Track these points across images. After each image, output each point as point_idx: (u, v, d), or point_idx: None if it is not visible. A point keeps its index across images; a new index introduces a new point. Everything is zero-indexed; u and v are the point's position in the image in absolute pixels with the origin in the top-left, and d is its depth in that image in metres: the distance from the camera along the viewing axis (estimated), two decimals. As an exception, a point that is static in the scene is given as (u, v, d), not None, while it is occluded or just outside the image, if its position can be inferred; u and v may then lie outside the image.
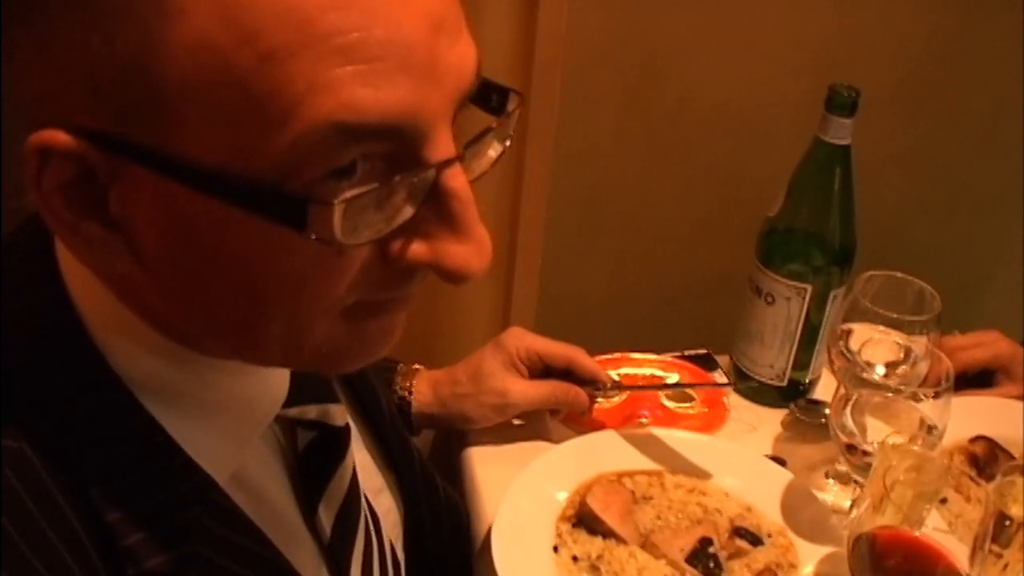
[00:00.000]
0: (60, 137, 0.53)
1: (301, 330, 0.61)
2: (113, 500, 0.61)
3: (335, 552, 0.80)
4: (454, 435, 1.27)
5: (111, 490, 0.61)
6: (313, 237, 0.54)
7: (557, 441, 1.23)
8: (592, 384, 1.23)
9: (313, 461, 0.79)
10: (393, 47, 0.52)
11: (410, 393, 1.18)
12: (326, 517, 0.79)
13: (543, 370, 1.22)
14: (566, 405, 1.22)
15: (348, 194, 0.54)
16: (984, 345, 1.31)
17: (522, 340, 1.21)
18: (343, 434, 0.82)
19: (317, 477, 0.79)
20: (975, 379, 1.31)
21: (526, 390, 1.20)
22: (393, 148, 0.55)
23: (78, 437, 0.61)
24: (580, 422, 1.27)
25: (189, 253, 0.58)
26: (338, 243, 0.55)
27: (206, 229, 0.56)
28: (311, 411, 0.78)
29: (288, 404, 0.75)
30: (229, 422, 0.69)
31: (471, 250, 0.59)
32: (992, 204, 2.18)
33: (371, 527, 0.86)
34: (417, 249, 0.59)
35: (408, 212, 0.58)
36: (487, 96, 0.64)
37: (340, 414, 0.81)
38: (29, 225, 0.66)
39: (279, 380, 0.74)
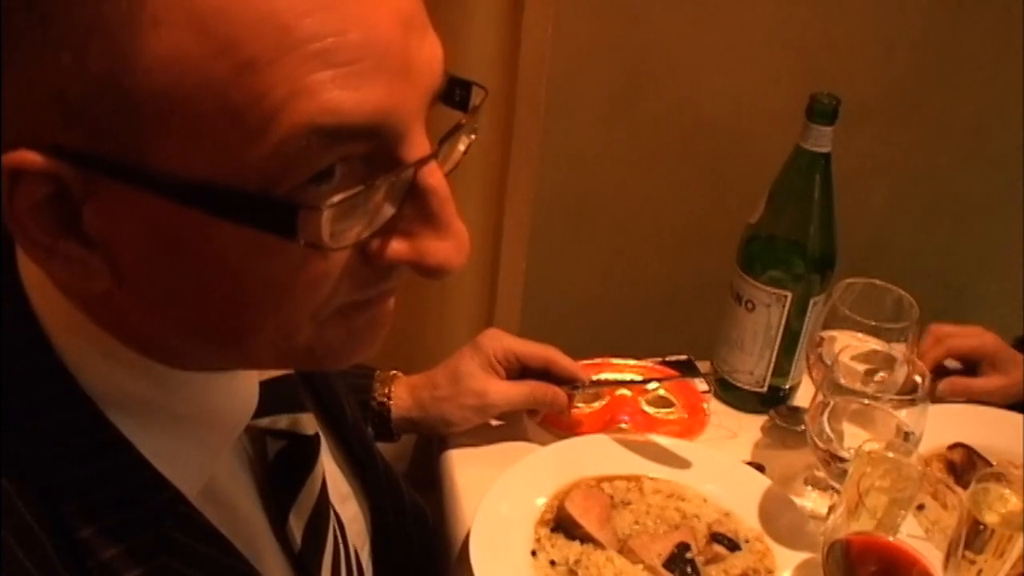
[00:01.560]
0: (31, 157, 0.52)
1: (290, 335, 0.61)
2: (85, 517, 0.61)
3: (305, 561, 0.80)
4: (434, 439, 1.27)
5: (82, 507, 0.61)
6: (302, 243, 0.54)
7: (537, 445, 1.23)
8: (570, 383, 1.24)
9: (283, 470, 0.79)
10: (369, 48, 0.53)
11: (389, 399, 1.19)
12: (296, 526, 0.79)
13: (520, 371, 1.23)
14: (545, 404, 1.22)
15: (336, 198, 0.54)
16: (972, 335, 1.34)
17: (499, 341, 1.22)
18: (313, 443, 0.82)
19: (288, 486, 0.79)
20: (962, 370, 1.34)
21: (505, 390, 1.20)
22: (371, 149, 0.56)
23: (48, 455, 0.61)
24: (560, 426, 1.27)
25: (171, 266, 0.57)
26: (326, 247, 0.55)
27: (188, 241, 0.55)
28: (281, 420, 0.78)
29: (258, 414, 0.74)
30: (200, 434, 0.69)
31: (451, 245, 0.60)
32: (974, 213, 2.19)
33: (338, 535, 0.86)
34: (398, 247, 0.60)
35: (389, 212, 0.58)
36: (452, 92, 0.64)
37: (310, 423, 0.81)
38: None
39: (249, 390, 0.73)
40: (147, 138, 0.52)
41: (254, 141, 0.51)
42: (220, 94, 0.50)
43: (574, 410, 1.30)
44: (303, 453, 0.80)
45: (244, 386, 0.72)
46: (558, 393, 1.22)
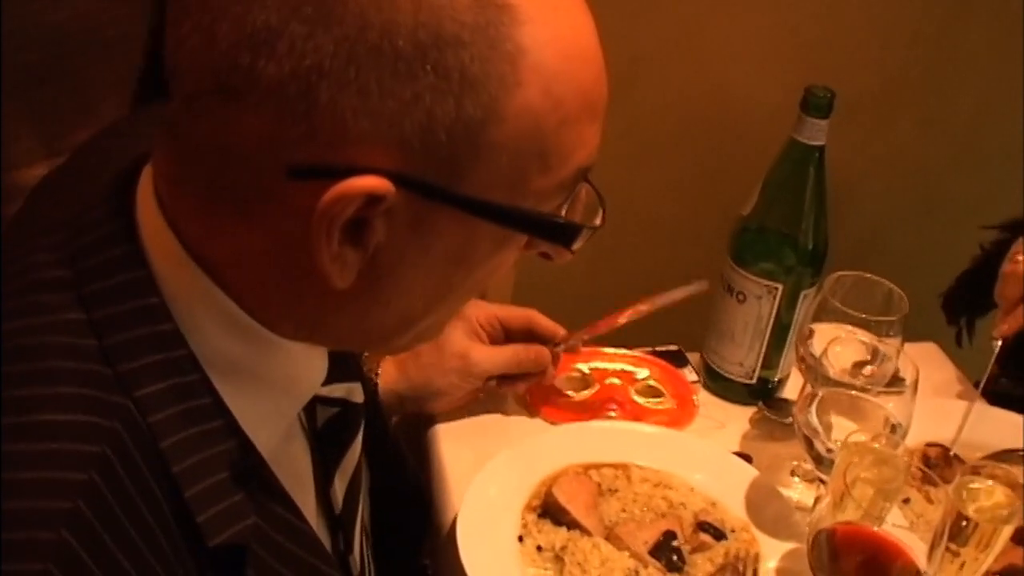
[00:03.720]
0: (383, 184, 0.59)
1: (442, 317, 0.74)
2: (190, 477, 0.65)
3: (343, 522, 0.85)
4: (423, 422, 1.27)
5: (188, 468, 0.65)
6: (572, 250, 0.70)
7: (527, 431, 1.23)
8: (552, 343, 1.25)
9: (332, 435, 0.84)
10: (605, 104, 0.67)
11: (376, 375, 1.19)
12: (340, 488, 0.84)
13: (505, 338, 1.24)
14: (529, 364, 1.22)
15: (598, 219, 0.72)
16: None
17: (480, 308, 1.23)
18: (360, 410, 0.87)
19: (335, 450, 0.85)
20: None
21: (489, 353, 1.21)
22: None
23: (160, 418, 0.65)
24: (549, 413, 1.27)
25: (418, 263, 0.66)
26: (571, 253, 0.71)
27: (451, 243, 0.65)
28: (339, 389, 0.84)
29: (323, 383, 0.79)
30: (278, 399, 0.73)
31: None
32: (969, 209, 2.19)
33: None
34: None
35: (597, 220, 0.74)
36: None
37: (359, 392, 0.87)
38: (101, 211, 0.68)
39: (322, 359, 0.77)
40: (473, 169, 0.62)
41: (545, 175, 0.65)
42: (542, 140, 0.63)
43: (563, 399, 1.30)
44: (351, 420, 0.86)
45: (320, 356, 0.77)
46: (541, 351, 1.23)
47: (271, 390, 0.72)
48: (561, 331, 1.26)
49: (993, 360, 1.23)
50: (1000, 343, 1.22)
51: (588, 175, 0.70)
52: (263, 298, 0.67)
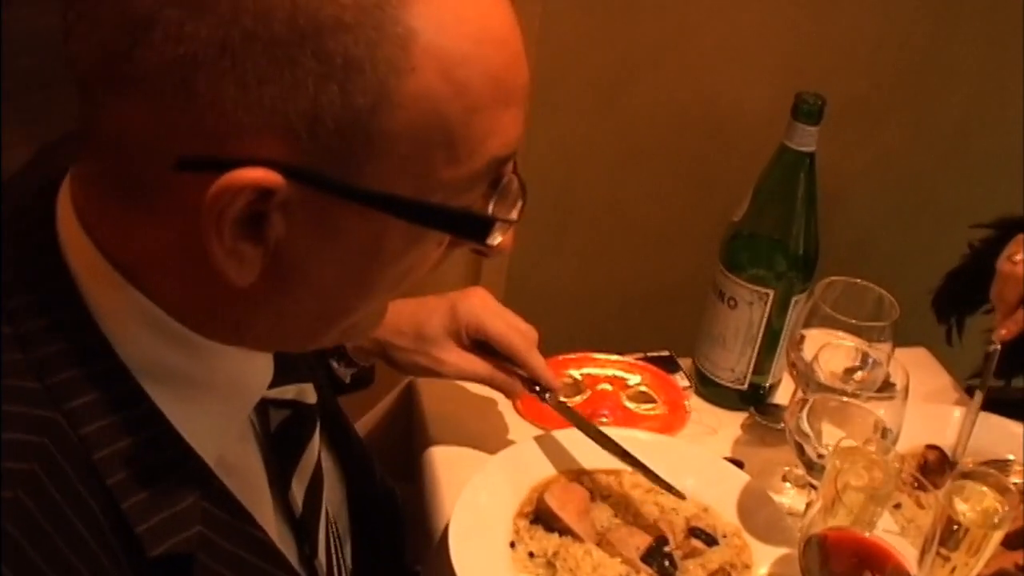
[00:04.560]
0: (272, 177, 0.57)
1: (377, 312, 0.73)
2: (126, 488, 0.64)
3: (306, 525, 0.83)
4: (415, 428, 1.27)
5: (124, 479, 0.64)
6: (493, 245, 0.66)
7: (519, 437, 1.23)
8: (542, 392, 1.17)
9: (286, 438, 0.82)
10: (524, 91, 0.65)
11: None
12: (298, 492, 0.82)
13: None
14: (499, 389, 1.18)
15: (514, 213, 0.68)
16: None
17: (477, 316, 1.14)
18: (314, 411, 0.85)
19: (290, 453, 0.82)
20: None
21: (462, 365, 1.14)
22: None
23: (91, 430, 0.63)
24: (542, 419, 1.27)
25: (326, 260, 0.63)
26: (489, 247, 0.67)
27: (361, 238, 0.63)
28: (289, 391, 0.82)
29: (270, 385, 0.77)
30: (221, 404, 0.72)
31: (513, 231, 0.70)
32: (959, 214, 2.19)
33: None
34: (507, 237, 0.69)
35: (513, 214, 0.70)
36: None
37: (311, 392, 0.85)
38: (21, 221, 0.67)
39: (267, 362, 0.76)
40: (370, 160, 0.59)
41: (454, 166, 0.61)
42: (446, 129, 0.60)
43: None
44: (305, 421, 0.84)
45: (263, 358, 0.75)
46: (515, 385, 1.16)
47: (212, 396, 0.70)
48: (549, 380, 1.16)
49: (992, 364, 1.22)
50: (998, 347, 1.22)
51: (514, 166, 0.68)
52: (184, 300, 0.65)
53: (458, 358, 1.15)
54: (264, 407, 0.80)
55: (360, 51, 0.56)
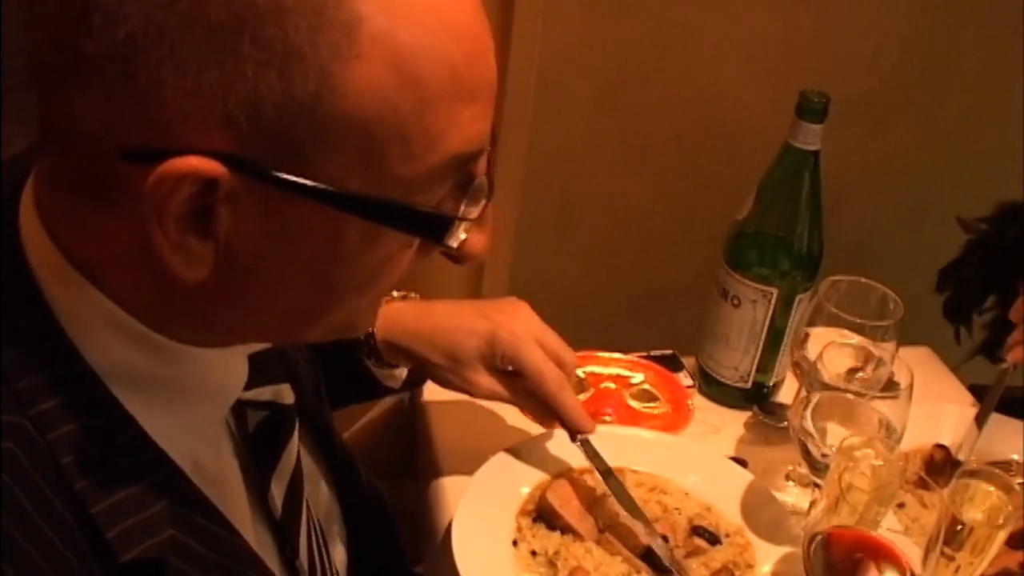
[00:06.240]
0: (212, 165, 0.56)
1: (353, 312, 0.69)
2: (95, 493, 0.63)
3: (286, 527, 0.82)
4: (418, 425, 1.27)
5: (92, 484, 0.63)
6: (454, 245, 0.65)
7: (522, 436, 1.23)
8: (572, 433, 1.13)
9: (265, 440, 0.81)
10: (489, 87, 0.63)
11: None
12: (277, 494, 0.81)
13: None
14: (529, 417, 1.17)
15: (474, 212, 0.66)
16: None
17: (514, 348, 1.08)
18: (291, 412, 0.84)
19: (269, 454, 0.81)
20: None
21: (495, 389, 1.12)
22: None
23: (58, 435, 0.62)
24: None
25: (288, 256, 0.62)
26: (453, 248, 0.66)
27: (317, 236, 0.61)
28: (266, 392, 0.80)
29: (246, 387, 0.76)
30: (194, 407, 0.70)
31: (488, 235, 0.71)
32: (963, 213, 2.19)
33: (308, 505, 0.87)
34: (478, 241, 0.69)
35: (473, 213, 0.68)
36: None
37: (288, 393, 0.83)
38: None
39: (241, 364, 0.74)
40: (319, 152, 0.57)
41: (410, 162, 0.59)
42: (399, 123, 0.58)
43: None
44: (283, 422, 0.83)
45: (237, 360, 0.74)
46: (545, 417, 1.14)
47: (184, 399, 0.69)
48: (584, 425, 1.11)
49: (1003, 383, 1.20)
50: (1012, 367, 1.19)
51: (486, 165, 0.66)
52: (145, 299, 0.64)
53: (491, 383, 1.11)
54: (241, 409, 0.79)
55: (301, 37, 0.54)
